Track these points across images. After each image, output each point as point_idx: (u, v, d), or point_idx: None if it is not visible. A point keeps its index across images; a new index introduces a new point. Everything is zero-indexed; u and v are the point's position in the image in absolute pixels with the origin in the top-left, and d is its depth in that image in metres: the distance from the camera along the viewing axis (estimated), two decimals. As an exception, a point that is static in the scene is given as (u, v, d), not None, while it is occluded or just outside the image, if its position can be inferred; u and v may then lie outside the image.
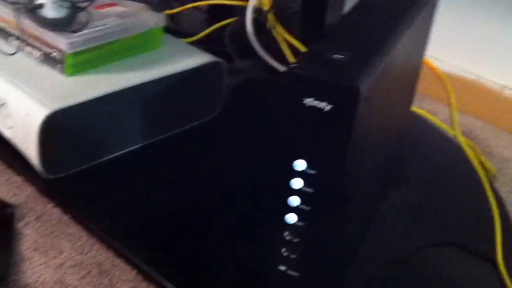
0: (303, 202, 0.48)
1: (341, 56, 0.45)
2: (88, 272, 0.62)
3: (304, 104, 0.45)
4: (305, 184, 0.47)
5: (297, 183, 0.47)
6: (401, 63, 0.56)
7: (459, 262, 0.68)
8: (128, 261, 0.63)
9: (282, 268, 0.51)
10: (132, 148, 0.74)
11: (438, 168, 0.80)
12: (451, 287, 0.64)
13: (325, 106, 0.44)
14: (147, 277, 0.61)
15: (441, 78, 0.94)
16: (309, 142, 0.46)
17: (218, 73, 0.80)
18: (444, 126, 0.87)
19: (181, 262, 0.62)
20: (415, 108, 0.85)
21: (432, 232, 0.70)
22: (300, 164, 0.46)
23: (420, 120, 0.89)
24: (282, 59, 0.91)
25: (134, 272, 0.62)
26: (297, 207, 0.48)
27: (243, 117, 0.85)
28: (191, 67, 0.75)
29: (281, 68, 0.92)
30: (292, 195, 0.48)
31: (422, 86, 0.77)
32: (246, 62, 0.90)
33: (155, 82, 0.72)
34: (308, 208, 0.48)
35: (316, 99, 0.44)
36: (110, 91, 0.68)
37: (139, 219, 0.66)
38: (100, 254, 0.64)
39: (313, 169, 0.46)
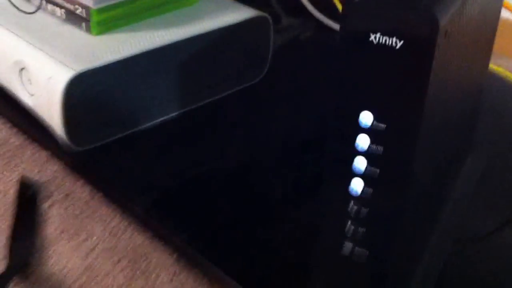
0: (370, 163, 0.39)
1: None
2: (122, 257, 0.55)
3: (371, 42, 0.36)
4: (372, 142, 0.39)
5: (363, 141, 0.39)
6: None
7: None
8: (168, 243, 0.56)
9: (348, 246, 0.43)
10: (169, 116, 0.67)
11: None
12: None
13: (395, 42, 0.36)
14: (190, 261, 0.54)
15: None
16: (376, 89, 0.37)
17: (264, 30, 0.72)
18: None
19: (230, 242, 0.54)
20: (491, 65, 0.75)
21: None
22: (366, 118, 0.38)
23: (498, 79, 0.79)
24: (333, 15, 0.83)
25: (174, 256, 0.55)
26: (363, 170, 0.40)
27: (293, 78, 0.77)
28: (233, 23, 0.68)
29: (334, 25, 0.84)
30: (357, 155, 0.39)
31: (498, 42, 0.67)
32: (294, 19, 0.82)
33: (193, 40, 0.64)
34: (377, 171, 0.39)
35: (384, 34, 0.36)
36: (141, 51, 0.61)
37: (181, 195, 0.59)
38: (136, 237, 0.57)
39: (381, 122, 0.38)
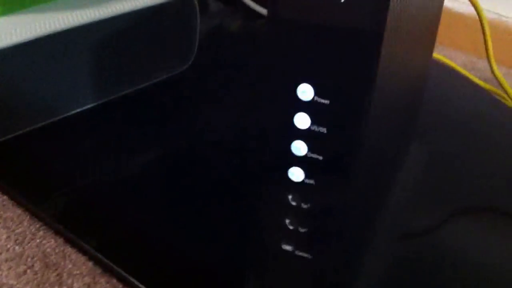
0: (311, 149, 0.34)
1: None
2: (30, 267, 0.48)
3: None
4: (314, 122, 0.33)
5: (302, 120, 0.33)
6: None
7: (504, 230, 0.54)
8: (82, 250, 0.49)
9: (288, 247, 0.38)
10: (83, 108, 0.60)
11: (468, 117, 0.66)
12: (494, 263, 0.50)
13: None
14: (107, 269, 0.47)
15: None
16: (317, 56, 0.32)
17: (189, 14, 0.65)
18: (468, 74, 0.73)
19: (152, 248, 0.48)
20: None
21: (465, 195, 0.56)
22: (305, 91, 0.33)
23: (441, 68, 0.76)
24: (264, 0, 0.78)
25: (90, 264, 0.48)
26: (303, 157, 0.34)
27: (222, 66, 0.71)
28: (152, 4, 0.61)
29: (264, 11, 0.79)
30: (296, 139, 0.34)
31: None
32: (222, 5, 0.76)
33: (108, 22, 0.58)
34: (319, 157, 0.34)
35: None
36: (49, 32, 0.54)
37: (96, 197, 0.52)
38: (46, 243, 0.50)
39: (323, 97, 0.32)
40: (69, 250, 0.50)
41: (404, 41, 0.37)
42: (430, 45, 0.56)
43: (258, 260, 0.40)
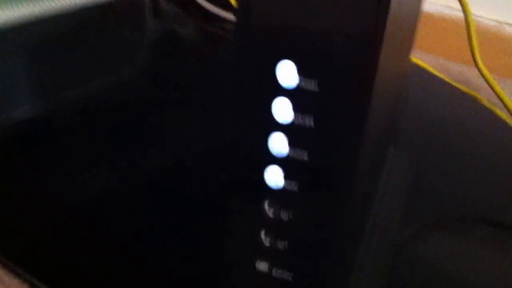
0: (293, 146, 0.27)
1: None
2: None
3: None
4: (297, 110, 0.27)
5: (282, 108, 0.27)
6: None
7: (484, 239, 0.48)
8: (17, 274, 0.42)
9: (263, 266, 0.31)
10: (19, 115, 0.52)
11: (446, 120, 0.61)
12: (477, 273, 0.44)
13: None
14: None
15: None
16: (299, 29, 0.26)
17: (137, 14, 0.59)
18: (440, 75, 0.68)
19: (96, 269, 0.40)
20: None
21: (444, 203, 0.51)
22: (285, 70, 0.26)
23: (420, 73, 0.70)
24: (222, 2, 0.72)
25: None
26: (283, 156, 0.28)
27: (175, 72, 0.64)
28: (99, 3, 0.54)
29: (223, 13, 0.72)
30: (275, 130, 0.27)
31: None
32: (175, 7, 0.69)
33: (49, 20, 0.51)
34: (303, 157, 0.27)
35: None
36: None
37: (31, 217, 0.44)
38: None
39: (308, 77, 0.26)
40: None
41: (395, 41, 0.31)
42: (410, 47, 0.50)
43: (230, 283, 0.33)
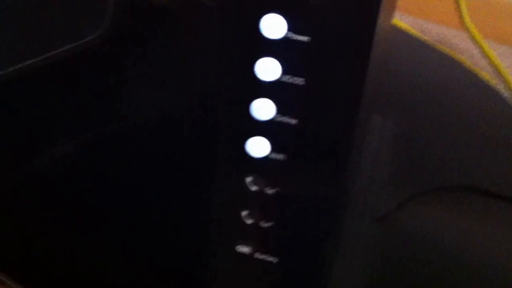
0: (280, 110, 0.24)
1: None
2: None
3: None
4: (286, 72, 0.23)
5: (268, 69, 0.23)
6: None
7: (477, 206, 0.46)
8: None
9: (245, 249, 0.27)
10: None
11: (432, 86, 0.57)
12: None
13: None
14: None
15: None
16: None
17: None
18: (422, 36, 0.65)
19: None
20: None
21: (430, 171, 0.48)
22: (272, 25, 0.22)
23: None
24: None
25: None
26: (269, 122, 0.24)
27: (143, 38, 0.59)
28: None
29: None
30: (258, 97, 0.24)
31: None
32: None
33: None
34: (291, 121, 0.24)
35: None
36: None
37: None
38: None
39: (300, 33, 0.22)
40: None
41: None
42: (394, 8, 0.47)
43: (211, 266, 0.29)
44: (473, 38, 0.48)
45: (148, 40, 0.56)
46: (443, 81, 0.57)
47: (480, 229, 0.43)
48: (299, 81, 0.23)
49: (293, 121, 0.24)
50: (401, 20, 0.70)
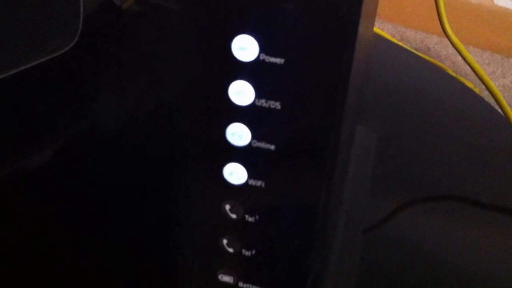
0: (256, 133, 0.23)
1: None
2: None
3: None
4: (260, 96, 0.22)
5: (240, 90, 0.22)
6: None
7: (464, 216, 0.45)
8: None
9: (228, 278, 0.26)
10: None
11: (416, 94, 0.56)
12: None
13: None
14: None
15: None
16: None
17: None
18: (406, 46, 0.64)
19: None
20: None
21: (420, 182, 0.47)
22: (244, 47, 0.21)
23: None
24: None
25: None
26: (245, 147, 0.23)
27: (113, 44, 0.58)
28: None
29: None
30: (233, 122, 0.22)
31: None
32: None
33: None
34: (269, 146, 0.23)
35: None
36: None
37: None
38: None
39: (272, 55, 0.21)
40: None
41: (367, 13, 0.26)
42: (374, 15, 0.46)
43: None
44: (454, 45, 0.47)
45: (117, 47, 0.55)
46: (426, 88, 0.56)
47: (466, 238, 0.42)
48: (275, 104, 0.22)
49: (271, 147, 0.23)
50: (383, 29, 0.70)
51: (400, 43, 0.65)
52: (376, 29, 0.66)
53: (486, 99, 0.54)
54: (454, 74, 0.59)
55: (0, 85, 0.48)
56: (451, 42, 0.46)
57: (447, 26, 0.47)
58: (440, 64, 0.62)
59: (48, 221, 0.37)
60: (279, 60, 0.21)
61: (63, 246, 0.35)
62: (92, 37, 0.55)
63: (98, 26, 0.58)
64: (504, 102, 0.48)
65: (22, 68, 0.50)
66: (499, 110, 0.49)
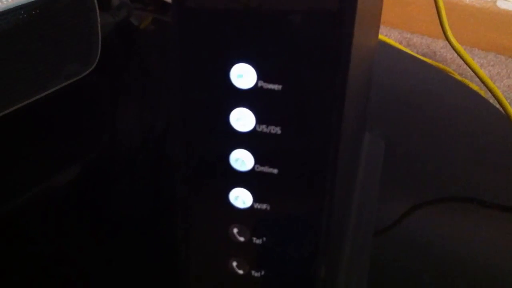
0: (259, 159, 0.22)
1: None
2: None
3: None
4: (261, 121, 0.21)
5: (243, 119, 0.21)
6: None
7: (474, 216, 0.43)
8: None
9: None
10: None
11: (424, 99, 0.55)
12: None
13: None
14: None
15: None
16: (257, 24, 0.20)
17: (86, 9, 0.52)
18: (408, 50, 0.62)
19: None
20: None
21: (430, 185, 0.45)
22: (243, 75, 0.20)
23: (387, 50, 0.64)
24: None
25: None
26: (249, 172, 0.22)
27: (132, 70, 0.57)
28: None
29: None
30: (237, 148, 0.21)
31: None
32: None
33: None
34: (272, 171, 0.22)
35: None
36: None
37: None
38: None
39: (271, 82, 0.20)
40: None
41: (365, 21, 0.25)
42: (378, 25, 0.44)
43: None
44: (455, 49, 0.45)
45: (135, 67, 0.54)
46: (432, 93, 0.55)
47: (477, 239, 0.41)
48: (275, 129, 0.21)
49: (274, 171, 0.22)
50: (390, 36, 0.68)
51: (407, 50, 0.64)
52: (382, 37, 0.65)
53: (491, 101, 0.53)
54: (459, 77, 0.57)
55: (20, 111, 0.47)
56: (452, 46, 0.45)
57: (448, 31, 0.46)
58: (445, 68, 0.60)
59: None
60: (276, 87, 0.20)
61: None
62: (110, 59, 0.54)
63: (116, 47, 0.57)
64: (507, 103, 0.47)
65: (40, 96, 0.49)
66: (503, 112, 0.48)
